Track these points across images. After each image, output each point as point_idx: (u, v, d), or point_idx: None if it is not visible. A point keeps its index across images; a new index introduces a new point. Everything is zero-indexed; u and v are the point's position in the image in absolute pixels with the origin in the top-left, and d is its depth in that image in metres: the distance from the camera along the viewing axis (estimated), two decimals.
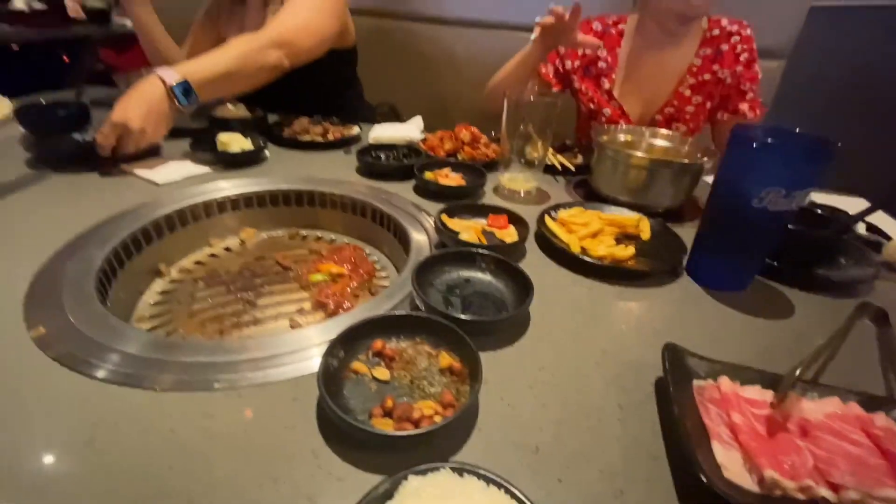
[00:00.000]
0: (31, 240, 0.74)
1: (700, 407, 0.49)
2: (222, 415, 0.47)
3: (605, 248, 0.80)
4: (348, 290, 0.81)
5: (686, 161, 0.99)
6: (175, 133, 1.10)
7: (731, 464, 0.43)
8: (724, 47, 1.29)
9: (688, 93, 1.34)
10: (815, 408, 0.49)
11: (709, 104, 1.36)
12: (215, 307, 0.77)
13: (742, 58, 1.29)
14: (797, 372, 0.48)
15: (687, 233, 0.85)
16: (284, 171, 1.09)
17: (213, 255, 0.92)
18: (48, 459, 0.42)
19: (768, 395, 0.51)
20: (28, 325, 0.57)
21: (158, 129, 1.02)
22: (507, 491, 0.33)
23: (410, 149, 1.21)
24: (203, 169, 1.04)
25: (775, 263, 0.79)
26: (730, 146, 0.72)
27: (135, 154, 1.02)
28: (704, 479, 0.40)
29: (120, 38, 3.05)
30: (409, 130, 1.34)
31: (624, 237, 0.88)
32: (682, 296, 0.75)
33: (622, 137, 1.14)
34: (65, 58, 2.90)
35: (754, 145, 0.68)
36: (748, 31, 1.29)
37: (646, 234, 0.88)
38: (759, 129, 0.74)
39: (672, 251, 0.82)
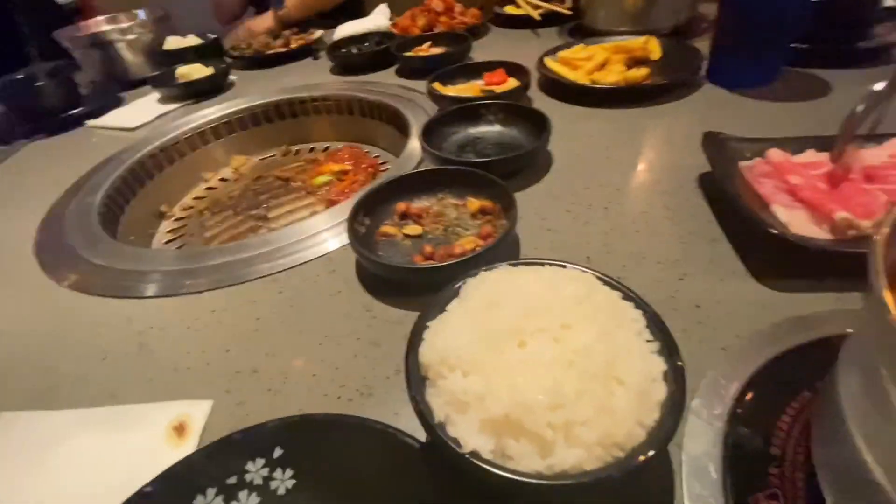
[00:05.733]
0: (24, 205, 0.70)
1: (753, 183, 0.46)
2: (266, 298, 0.46)
3: (615, 75, 0.74)
4: (356, 185, 0.77)
5: None
6: (132, 82, 1.03)
7: (796, 222, 0.41)
8: None
9: None
10: (876, 153, 0.45)
11: None
12: (228, 230, 0.74)
13: None
14: (857, 110, 0.43)
15: (702, 45, 0.77)
16: (256, 90, 1.00)
17: (210, 189, 0.88)
18: (108, 368, 0.41)
19: (824, 157, 0.47)
20: (56, 278, 0.54)
21: None
22: (565, 265, 0.31)
23: (383, 35, 1.10)
24: (171, 105, 0.97)
25: (806, 46, 0.72)
26: None
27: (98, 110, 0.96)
28: (775, 232, 0.37)
29: None
30: (376, 19, 1.22)
31: (634, 63, 0.80)
32: (709, 102, 0.69)
33: None
34: None
35: None
36: None
37: (656, 53, 0.80)
38: None
39: (689, 61, 0.75)
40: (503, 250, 0.43)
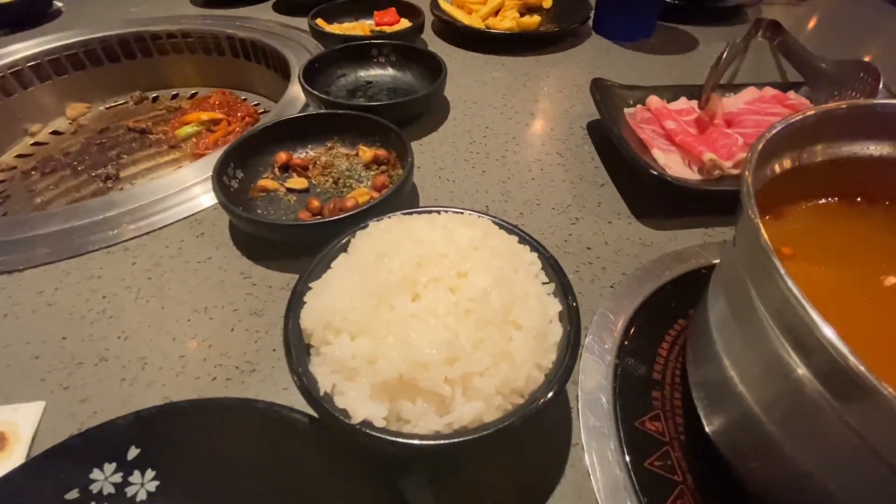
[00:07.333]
0: None
1: (635, 129, 0.48)
2: (114, 271, 0.38)
3: (509, 21, 0.72)
4: (231, 136, 0.67)
5: None
6: None
7: (672, 164, 0.44)
8: None
9: None
10: (735, 101, 0.50)
11: None
12: (67, 193, 0.60)
13: None
14: (720, 62, 0.46)
15: None
16: (94, 20, 0.81)
17: (38, 144, 0.71)
18: None
19: (694, 104, 0.50)
20: None
21: None
22: (462, 212, 0.29)
23: None
24: None
25: (678, 2, 0.77)
26: None
27: None
28: (655, 173, 0.39)
29: None
30: None
31: (527, 10, 0.79)
32: (596, 52, 0.71)
33: None
34: None
35: None
36: None
37: (548, 1, 0.80)
38: None
39: (578, 12, 0.75)
40: (400, 202, 0.40)
